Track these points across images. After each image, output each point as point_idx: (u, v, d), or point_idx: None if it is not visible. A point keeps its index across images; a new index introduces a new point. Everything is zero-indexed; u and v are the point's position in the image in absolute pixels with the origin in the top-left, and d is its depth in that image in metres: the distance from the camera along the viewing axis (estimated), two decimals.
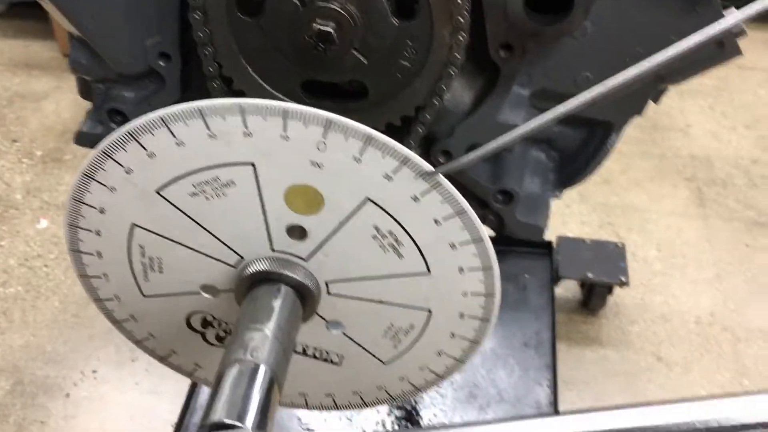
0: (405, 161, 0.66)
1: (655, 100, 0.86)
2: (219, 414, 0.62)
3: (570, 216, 2.25)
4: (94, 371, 1.77)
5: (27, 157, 2.30)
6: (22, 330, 1.84)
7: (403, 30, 0.71)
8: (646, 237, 2.19)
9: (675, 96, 2.61)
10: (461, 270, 0.73)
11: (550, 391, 1.53)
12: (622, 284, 1.86)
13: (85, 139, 0.86)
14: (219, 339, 0.84)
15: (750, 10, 0.64)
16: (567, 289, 2.00)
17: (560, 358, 1.66)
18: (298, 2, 0.69)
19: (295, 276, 0.73)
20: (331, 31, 0.68)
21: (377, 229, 0.71)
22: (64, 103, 2.49)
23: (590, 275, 1.87)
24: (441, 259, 0.72)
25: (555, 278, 1.85)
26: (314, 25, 0.68)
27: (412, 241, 0.71)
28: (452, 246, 0.71)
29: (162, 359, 0.87)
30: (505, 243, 1.81)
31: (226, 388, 0.65)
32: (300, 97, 0.76)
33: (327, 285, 0.76)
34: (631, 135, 2.47)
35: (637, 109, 0.82)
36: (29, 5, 2.67)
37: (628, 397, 1.74)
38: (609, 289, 1.91)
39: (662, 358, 1.87)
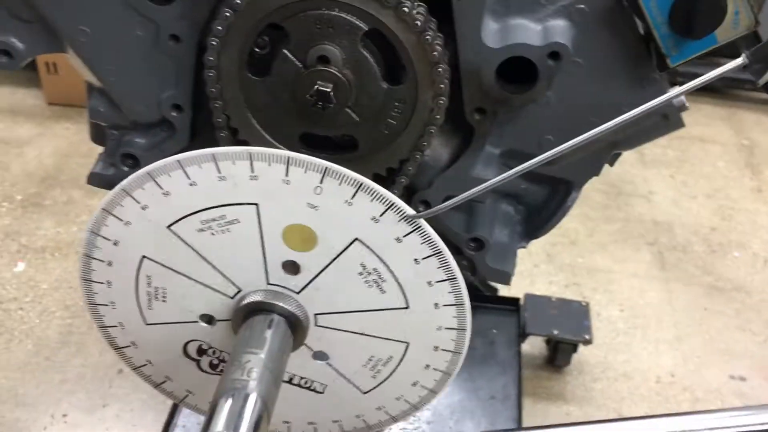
0: (390, 206, 0.77)
1: (611, 163, 0.98)
2: None
3: (538, 276, 2.36)
4: (65, 415, 1.80)
5: (7, 201, 2.36)
6: None
7: (392, 93, 0.83)
8: (609, 297, 2.31)
9: (639, 165, 2.79)
10: (437, 306, 0.83)
11: None
12: (587, 342, 1.96)
13: (97, 180, 0.96)
14: (212, 367, 0.92)
15: (687, 86, 0.77)
16: (533, 346, 2.10)
17: (525, 413, 1.75)
18: (301, 66, 0.81)
19: (287, 307, 0.83)
20: (329, 91, 0.80)
21: (363, 266, 0.81)
22: (46, 150, 2.58)
23: (556, 332, 1.97)
24: (419, 296, 0.83)
25: (522, 334, 1.95)
26: (315, 86, 0.80)
27: (394, 279, 0.82)
28: (429, 284, 0.82)
29: (157, 385, 0.95)
30: (475, 299, 1.92)
31: (221, 417, 0.73)
32: (298, 148, 0.87)
33: (316, 317, 0.86)
34: (598, 200, 2.63)
35: (595, 171, 0.95)
36: None
37: None
38: (574, 347, 2.01)
39: (624, 415, 1.95)
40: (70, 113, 2.74)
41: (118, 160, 0.93)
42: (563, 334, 1.99)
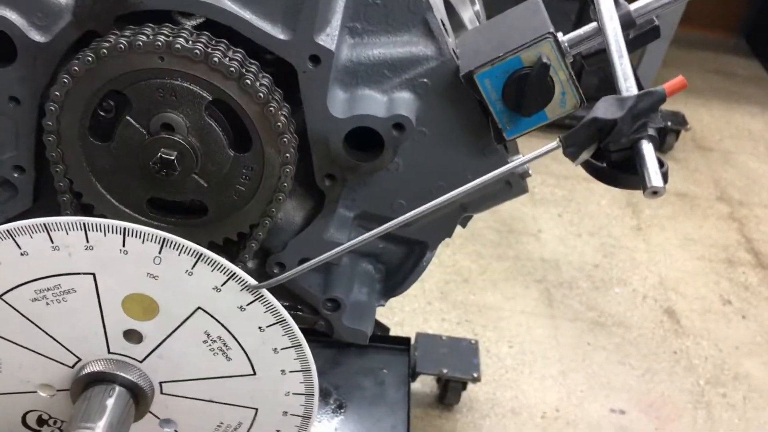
0: (232, 275, 0.77)
1: (463, 225, 1.01)
2: None
3: (431, 313, 2.39)
4: None
5: None
6: None
7: (239, 160, 0.82)
8: (499, 334, 2.36)
9: (529, 204, 2.88)
10: (283, 372, 0.83)
11: None
12: (475, 380, 1.99)
13: None
14: None
15: (527, 157, 0.80)
16: (425, 384, 2.11)
17: None
18: (145, 132, 0.80)
19: (129, 377, 0.81)
20: (173, 159, 0.79)
21: (208, 334, 0.80)
22: None
23: (445, 371, 1.99)
24: (265, 362, 0.82)
25: (413, 374, 1.96)
26: (159, 153, 0.78)
27: (239, 346, 0.81)
28: (275, 350, 0.81)
29: None
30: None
31: None
32: (145, 213, 0.86)
33: (161, 385, 0.84)
34: (490, 238, 2.69)
35: (448, 233, 0.97)
36: None
37: None
38: (463, 385, 2.04)
39: None
40: None
41: None
42: (453, 372, 2.01)
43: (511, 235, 2.72)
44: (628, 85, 0.70)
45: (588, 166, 0.72)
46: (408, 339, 1.98)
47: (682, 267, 2.68)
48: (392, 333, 1.99)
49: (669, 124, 3.12)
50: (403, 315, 2.36)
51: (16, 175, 0.86)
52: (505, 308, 2.45)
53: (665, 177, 0.67)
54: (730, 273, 2.69)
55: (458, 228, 2.69)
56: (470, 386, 2.07)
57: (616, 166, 0.70)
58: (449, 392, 2.05)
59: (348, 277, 0.98)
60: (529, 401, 2.14)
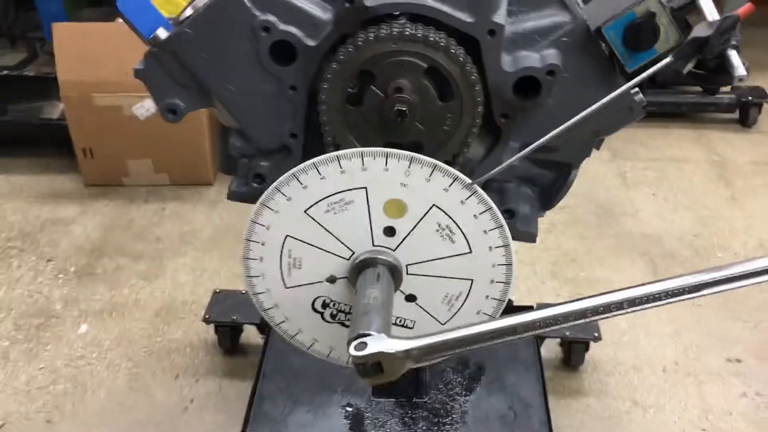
0: (456, 178, 1.26)
1: (597, 147, 1.47)
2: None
3: (545, 291, 2.80)
4: None
5: (62, 273, 2.79)
6: (74, 420, 2.23)
7: (445, 108, 1.32)
8: None
9: (623, 187, 3.31)
10: (491, 248, 1.30)
11: None
12: (596, 339, 2.37)
13: (235, 196, 1.43)
14: (332, 317, 1.37)
15: (635, 81, 1.26)
16: (550, 351, 2.50)
17: (551, 409, 2.10)
18: (383, 95, 1.30)
19: (389, 260, 1.29)
20: (405, 110, 1.28)
21: (439, 224, 1.29)
22: (90, 225, 3.05)
23: (568, 333, 2.39)
24: (478, 242, 1.30)
25: (539, 339, 2.37)
26: (395, 108, 1.28)
27: (460, 231, 1.29)
28: (485, 232, 1.29)
29: (291, 337, 1.39)
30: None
31: None
32: None
33: (406, 267, 1.32)
34: (591, 221, 3.12)
35: (587, 153, 1.44)
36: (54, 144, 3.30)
37: None
38: (586, 346, 2.43)
39: (638, 402, 2.33)
40: (106, 192, 3.23)
41: (250, 180, 1.41)
42: (575, 334, 2.39)
43: (610, 217, 3.14)
44: (711, 12, 1.17)
45: (692, 75, 1.18)
46: (531, 306, 2.41)
47: None
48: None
49: (750, 98, 3.51)
50: (519, 294, 2.77)
51: (292, 140, 1.38)
52: (613, 280, 2.84)
53: (748, 71, 1.12)
54: None
55: (559, 214, 3.09)
56: (592, 349, 2.41)
57: (712, 72, 1.15)
58: (573, 354, 2.41)
59: (516, 196, 1.46)
60: (649, 358, 2.49)
